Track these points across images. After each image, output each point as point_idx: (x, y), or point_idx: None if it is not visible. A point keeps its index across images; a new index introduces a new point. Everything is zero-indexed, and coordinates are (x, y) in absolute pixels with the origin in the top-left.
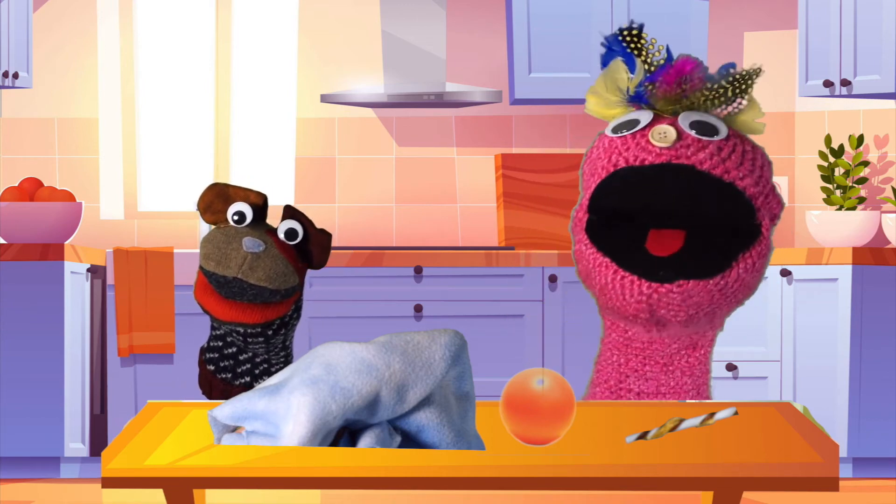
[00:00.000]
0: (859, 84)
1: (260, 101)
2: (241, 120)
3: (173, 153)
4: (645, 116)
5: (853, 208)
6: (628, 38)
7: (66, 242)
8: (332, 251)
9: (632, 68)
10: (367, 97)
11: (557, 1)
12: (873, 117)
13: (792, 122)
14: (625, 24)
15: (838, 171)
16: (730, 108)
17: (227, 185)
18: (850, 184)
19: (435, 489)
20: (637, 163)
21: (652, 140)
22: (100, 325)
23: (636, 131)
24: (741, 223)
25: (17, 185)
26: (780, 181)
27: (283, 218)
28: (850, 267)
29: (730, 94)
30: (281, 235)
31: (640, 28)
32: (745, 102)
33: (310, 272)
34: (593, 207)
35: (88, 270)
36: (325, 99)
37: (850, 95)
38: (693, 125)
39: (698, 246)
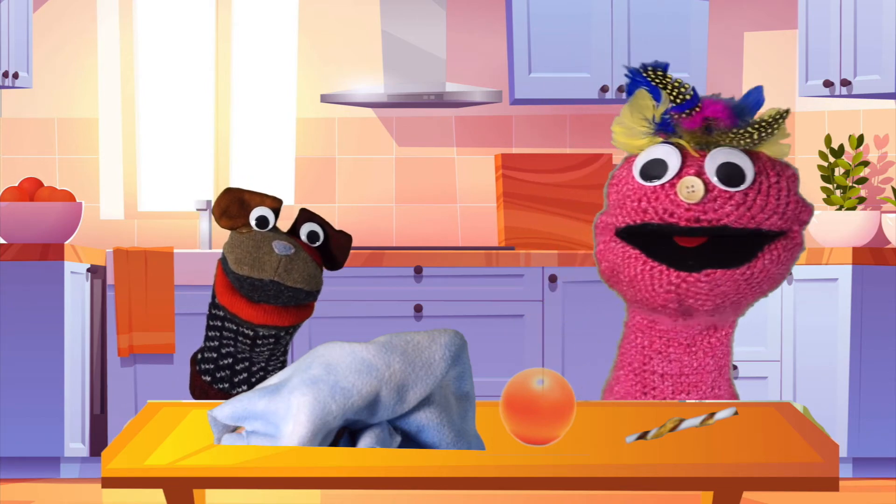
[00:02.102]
0: (859, 84)
1: (260, 101)
2: (241, 120)
3: (173, 153)
4: (672, 158)
5: (853, 208)
6: (652, 75)
7: (66, 242)
8: None
9: (657, 97)
10: (367, 97)
11: (557, 1)
12: (873, 117)
13: (792, 122)
14: (650, 62)
15: (838, 171)
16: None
17: (242, 191)
18: (850, 184)
19: (435, 489)
20: (666, 216)
21: (680, 195)
22: (100, 325)
23: (665, 182)
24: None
25: (17, 185)
26: None
27: (300, 221)
28: (850, 267)
29: (755, 137)
30: (303, 238)
31: (665, 67)
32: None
33: None
34: (622, 233)
35: (88, 270)
36: (325, 99)
37: (850, 95)
38: (720, 171)
39: (725, 239)
